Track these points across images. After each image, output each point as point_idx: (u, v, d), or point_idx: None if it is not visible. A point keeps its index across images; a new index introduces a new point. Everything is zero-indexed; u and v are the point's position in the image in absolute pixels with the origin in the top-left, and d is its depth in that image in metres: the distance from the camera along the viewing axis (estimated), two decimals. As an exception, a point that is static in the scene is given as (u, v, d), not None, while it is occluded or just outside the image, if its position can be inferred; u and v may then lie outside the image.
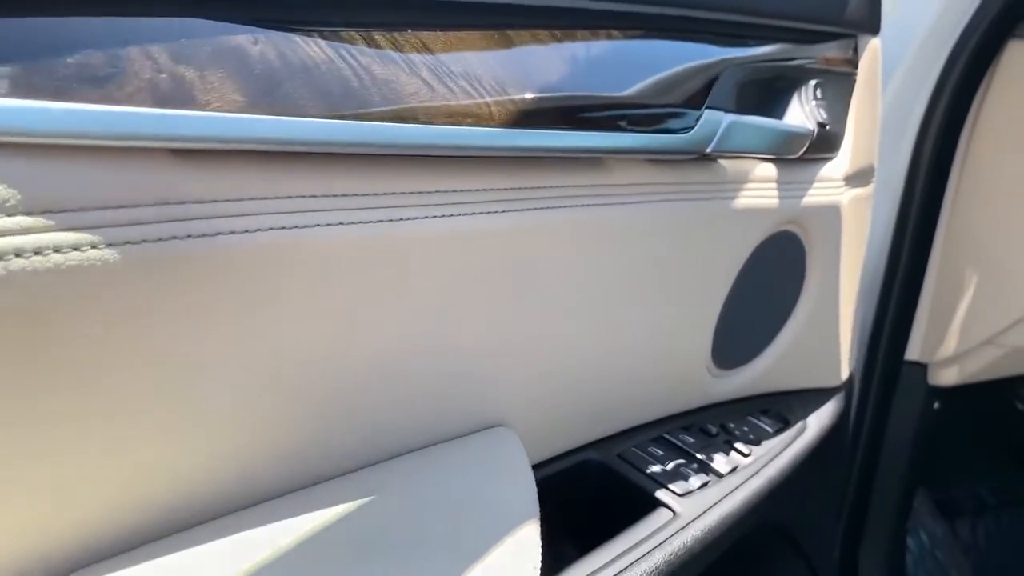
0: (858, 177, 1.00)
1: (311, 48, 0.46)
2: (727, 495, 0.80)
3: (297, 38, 0.46)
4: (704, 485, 0.79)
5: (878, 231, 1.40)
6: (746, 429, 0.94)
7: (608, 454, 0.79)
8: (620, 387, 0.79)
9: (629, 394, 0.80)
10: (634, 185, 0.70)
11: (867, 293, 1.41)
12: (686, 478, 0.79)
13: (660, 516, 0.74)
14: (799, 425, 1.01)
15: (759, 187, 0.84)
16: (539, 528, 0.55)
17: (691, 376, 0.86)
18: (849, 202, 0.98)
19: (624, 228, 0.70)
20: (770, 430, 0.97)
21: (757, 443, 0.93)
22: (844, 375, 1.11)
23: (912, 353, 1.46)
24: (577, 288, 0.69)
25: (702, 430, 0.91)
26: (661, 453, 0.81)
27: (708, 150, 0.71)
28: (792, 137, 0.82)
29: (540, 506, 0.60)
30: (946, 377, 1.48)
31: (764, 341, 0.97)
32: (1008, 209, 1.37)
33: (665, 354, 0.81)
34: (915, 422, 1.53)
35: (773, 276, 0.93)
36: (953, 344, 1.45)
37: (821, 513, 1.22)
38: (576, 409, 0.75)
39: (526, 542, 0.53)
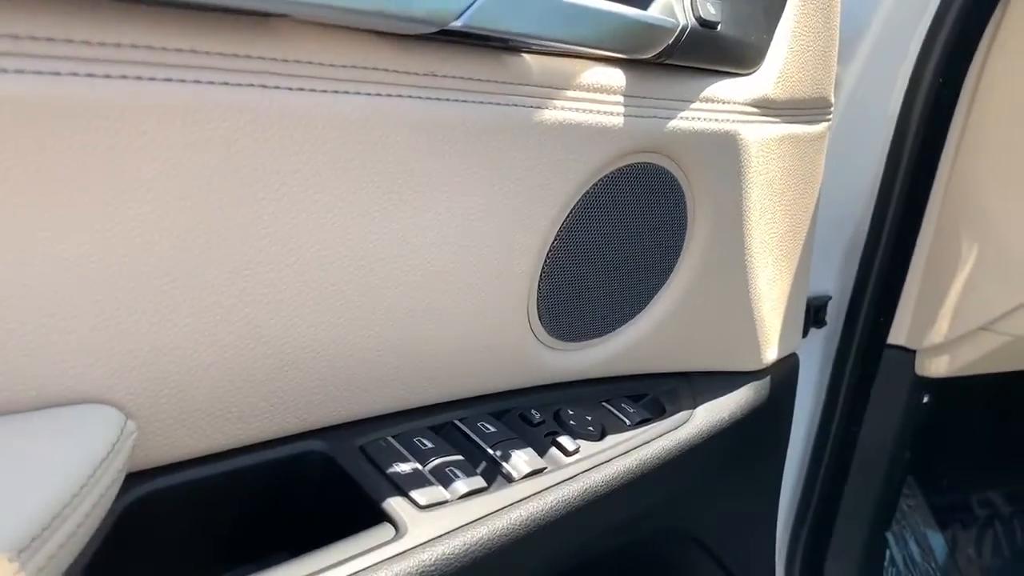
0: (791, 109, 0.74)
1: None
2: (506, 507, 0.57)
3: None
4: (473, 493, 0.56)
5: (859, 186, 1.12)
6: (589, 419, 0.70)
7: (346, 444, 0.57)
8: (387, 355, 0.56)
9: (401, 364, 0.57)
10: (353, 68, 0.47)
11: (843, 262, 1.14)
12: (449, 483, 0.56)
13: (377, 534, 0.52)
14: (679, 416, 0.76)
15: (591, 97, 0.60)
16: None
17: (506, 346, 0.63)
18: (772, 138, 0.72)
19: (345, 125, 0.47)
20: (627, 421, 0.73)
21: (598, 436, 0.69)
22: (769, 357, 0.85)
23: (897, 337, 1.20)
24: (291, 209, 0.47)
25: (523, 417, 0.68)
26: (428, 447, 0.59)
27: (456, 24, 0.47)
28: (636, 29, 0.57)
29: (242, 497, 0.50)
30: (936, 367, 1.21)
31: (630, 309, 0.72)
32: (1021, 167, 1.07)
33: (457, 314, 0.58)
34: (899, 416, 1.27)
35: (638, 225, 0.69)
36: (944, 329, 1.17)
37: (745, 519, 0.97)
38: (309, 382, 0.53)
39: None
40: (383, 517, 0.54)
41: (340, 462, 0.56)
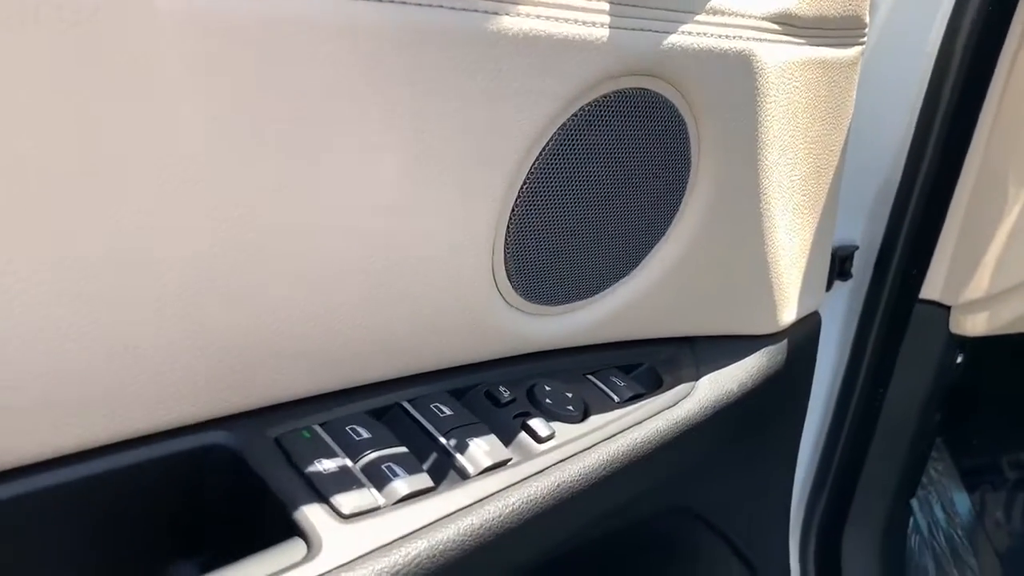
0: (818, 28, 0.61)
1: None
2: (456, 512, 0.45)
3: None
4: (415, 496, 0.45)
5: (893, 124, 0.98)
6: (569, 395, 0.58)
7: (257, 436, 0.45)
8: (315, 322, 0.45)
9: (334, 333, 0.46)
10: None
11: (873, 208, 1.01)
12: (385, 483, 0.44)
13: (283, 554, 0.40)
14: (679, 389, 0.64)
15: (566, 2, 0.46)
16: None
17: (467, 311, 0.51)
18: (796, 62, 0.59)
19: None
20: (615, 397, 0.61)
21: (579, 417, 0.57)
22: (787, 318, 0.73)
23: (930, 291, 1.07)
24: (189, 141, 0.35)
25: (489, 395, 0.56)
26: (363, 437, 0.47)
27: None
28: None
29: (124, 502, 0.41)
30: (972, 324, 1.08)
31: (622, 266, 0.60)
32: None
33: (403, 272, 0.47)
34: (930, 376, 1.15)
35: (630, 165, 0.56)
36: (984, 283, 1.04)
37: (755, 493, 0.86)
38: (211, 357, 0.42)
39: None
40: (295, 530, 0.42)
41: (247, 458, 0.45)
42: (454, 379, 0.57)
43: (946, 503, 1.40)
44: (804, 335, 0.82)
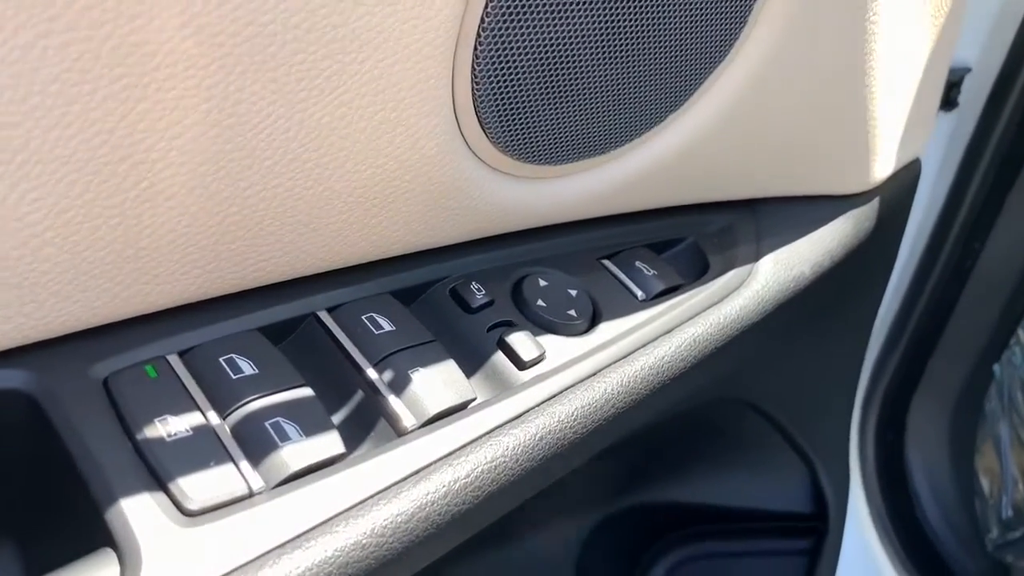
0: None
1: None
2: (369, 499, 0.29)
3: None
4: (314, 472, 0.28)
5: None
6: (572, 293, 0.39)
7: (74, 375, 0.28)
8: (180, 194, 0.27)
9: (209, 210, 0.28)
10: None
11: (995, 24, 0.77)
12: (264, 454, 0.27)
13: (90, 573, 0.24)
14: (732, 275, 0.45)
15: None
16: None
17: (417, 172, 0.33)
18: None
19: None
20: (639, 293, 0.42)
21: (583, 326, 0.39)
22: (880, 172, 0.52)
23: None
24: None
25: (456, 295, 0.38)
26: (246, 373, 0.30)
27: None
28: None
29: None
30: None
31: (660, 104, 0.39)
32: None
33: (315, 121, 0.28)
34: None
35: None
36: None
37: (818, 378, 0.69)
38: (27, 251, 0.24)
39: None
40: (105, 535, 0.25)
41: (49, 412, 0.28)
42: (404, 273, 0.38)
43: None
44: (900, 192, 0.61)
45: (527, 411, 0.35)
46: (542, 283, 0.41)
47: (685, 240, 0.49)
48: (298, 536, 0.29)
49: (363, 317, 0.35)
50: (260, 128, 0.29)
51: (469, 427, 0.34)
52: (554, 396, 0.36)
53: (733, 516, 0.79)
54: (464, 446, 0.33)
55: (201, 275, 0.32)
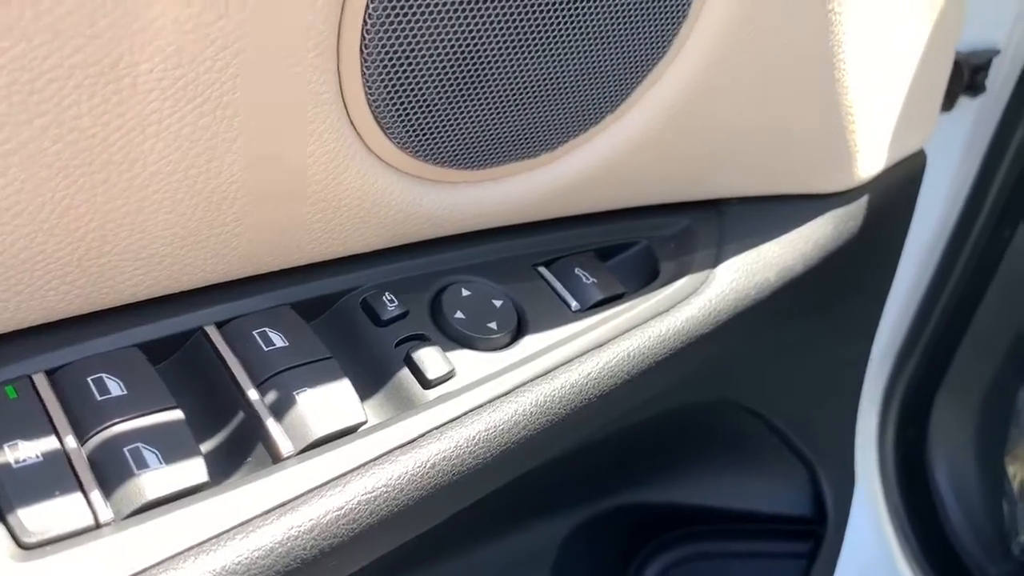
0: None
1: None
2: (227, 531, 0.26)
3: None
4: (171, 502, 0.26)
5: None
6: (495, 303, 0.37)
7: None
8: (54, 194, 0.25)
9: (82, 212, 0.26)
10: None
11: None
12: (119, 482, 0.26)
13: None
14: (683, 283, 0.42)
15: None
16: None
17: (310, 174, 0.30)
18: None
19: None
20: (573, 303, 0.39)
21: (503, 340, 0.37)
22: (868, 169, 0.48)
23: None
24: None
25: (367, 307, 0.35)
26: (115, 394, 0.28)
27: None
28: None
29: None
30: None
31: (599, 102, 0.36)
32: None
33: (176, 116, 0.26)
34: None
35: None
36: None
37: (815, 381, 0.65)
38: None
39: None
40: None
41: None
42: (313, 283, 0.36)
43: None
44: (898, 188, 0.56)
45: (421, 435, 0.32)
46: (465, 293, 0.38)
47: (638, 244, 0.45)
48: (141, 572, 0.27)
49: (254, 332, 0.33)
50: (112, 140, 0.27)
51: (353, 453, 0.31)
52: (456, 419, 0.33)
53: (730, 518, 0.76)
54: (344, 474, 0.31)
55: (70, 291, 0.30)
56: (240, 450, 0.31)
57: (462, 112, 0.34)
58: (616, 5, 0.35)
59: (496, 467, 0.34)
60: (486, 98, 0.35)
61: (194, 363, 0.33)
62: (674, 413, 0.58)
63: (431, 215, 0.37)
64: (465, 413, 0.34)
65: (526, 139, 0.37)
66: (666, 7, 0.36)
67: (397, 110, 0.32)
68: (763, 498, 0.74)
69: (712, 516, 0.74)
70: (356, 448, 0.32)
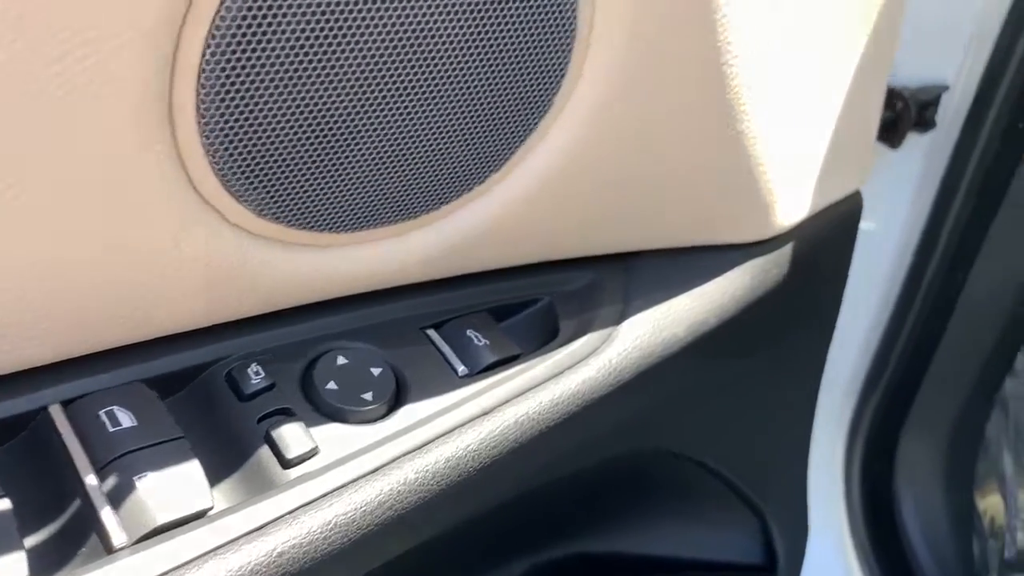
0: None
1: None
2: None
3: None
4: None
5: None
6: (374, 372, 0.35)
7: None
8: None
9: None
10: None
11: (975, 30, 0.70)
12: None
13: None
14: (584, 342, 0.40)
15: None
16: None
17: (150, 245, 0.29)
18: None
19: None
20: (460, 368, 0.38)
21: (378, 412, 0.35)
22: (787, 218, 0.46)
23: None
24: None
25: (230, 380, 0.33)
26: None
27: None
28: None
29: None
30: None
31: (472, 168, 0.34)
32: None
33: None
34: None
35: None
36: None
37: (760, 429, 0.63)
38: None
39: None
40: None
41: None
42: (175, 355, 0.34)
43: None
44: (828, 232, 0.54)
45: (270, 522, 0.31)
46: (341, 361, 0.36)
47: (539, 302, 0.43)
48: None
49: (101, 412, 0.31)
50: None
51: (194, 542, 0.29)
52: (312, 501, 0.32)
53: (680, 567, 0.74)
54: (180, 566, 0.29)
55: None
56: (72, 543, 0.29)
57: (322, 175, 0.33)
58: (488, 63, 0.34)
59: (360, 551, 0.32)
60: (349, 161, 0.33)
61: (33, 447, 0.31)
62: (609, 464, 0.56)
63: (303, 280, 0.36)
64: (324, 495, 0.32)
65: (400, 202, 0.36)
66: (546, 63, 0.34)
67: (246, 175, 0.31)
68: (713, 546, 0.72)
69: (661, 566, 0.72)
70: (197, 536, 0.30)
